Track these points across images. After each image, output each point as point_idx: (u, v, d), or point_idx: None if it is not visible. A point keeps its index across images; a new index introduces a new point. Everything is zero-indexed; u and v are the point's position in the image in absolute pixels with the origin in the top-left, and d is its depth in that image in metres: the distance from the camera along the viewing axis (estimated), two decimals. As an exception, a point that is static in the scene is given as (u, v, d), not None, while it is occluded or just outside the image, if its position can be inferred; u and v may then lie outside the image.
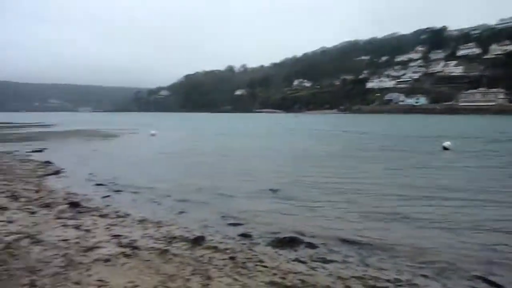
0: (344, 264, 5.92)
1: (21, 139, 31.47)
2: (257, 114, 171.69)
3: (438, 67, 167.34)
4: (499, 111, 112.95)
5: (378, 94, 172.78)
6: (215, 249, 6.24)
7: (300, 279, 5.13)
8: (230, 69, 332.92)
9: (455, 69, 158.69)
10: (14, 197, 9.75)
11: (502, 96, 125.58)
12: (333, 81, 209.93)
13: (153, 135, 37.59)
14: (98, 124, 66.57)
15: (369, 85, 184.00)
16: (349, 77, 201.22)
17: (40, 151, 22.00)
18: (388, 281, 5.26)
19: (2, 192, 10.21)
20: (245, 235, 7.14)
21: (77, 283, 4.65)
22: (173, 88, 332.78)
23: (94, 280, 4.74)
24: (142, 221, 7.93)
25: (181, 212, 8.88)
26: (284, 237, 6.93)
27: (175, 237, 6.82)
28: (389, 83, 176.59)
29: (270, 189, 11.59)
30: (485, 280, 5.36)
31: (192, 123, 77.50)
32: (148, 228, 7.41)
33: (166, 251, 6.00)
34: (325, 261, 6.00)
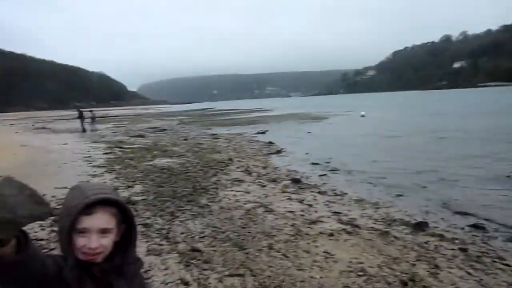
0: None
1: (247, 122, 36.52)
2: (481, 89, 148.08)
3: None
4: None
5: None
6: (441, 237, 5.76)
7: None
8: (446, 39, 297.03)
9: None
10: (248, 172, 11.41)
11: None
12: None
13: (362, 116, 37.47)
14: (308, 107, 70.96)
15: None
16: None
17: (263, 133, 25.03)
18: None
19: (238, 168, 12.10)
20: (476, 226, 6.32)
21: (306, 251, 5.11)
22: (380, 66, 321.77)
23: (321, 251, 5.10)
24: (359, 201, 8.04)
25: (398, 195, 8.57)
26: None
27: (394, 220, 6.64)
28: None
29: (500, 177, 9.88)
30: None
31: (401, 102, 73.32)
32: (365, 208, 7.46)
33: (386, 232, 5.91)
34: None
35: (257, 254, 4.97)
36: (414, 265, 4.69)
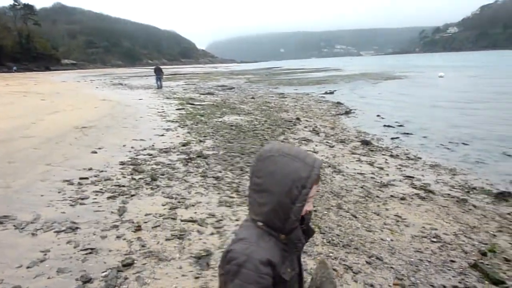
0: None
1: (315, 82, 35.68)
2: None
3: None
4: None
5: None
6: (529, 209, 5.33)
7: None
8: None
9: None
10: (315, 131, 11.28)
11: None
12: None
13: (441, 77, 34.86)
14: (381, 66, 67.35)
15: None
16: None
17: (331, 93, 24.37)
18: None
19: (306, 127, 12.00)
20: None
21: (376, 213, 5.02)
22: (464, 23, 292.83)
23: (392, 215, 4.98)
24: (434, 166, 7.64)
25: (478, 162, 7.98)
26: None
27: (474, 188, 6.24)
28: None
29: None
30: None
31: (487, 63, 66.63)
32: (441, 174, 7.08)
33: (464, 200, 5.59)
34: None
35: (326, 212, 4.99)
36: (494, 235, 4.42)
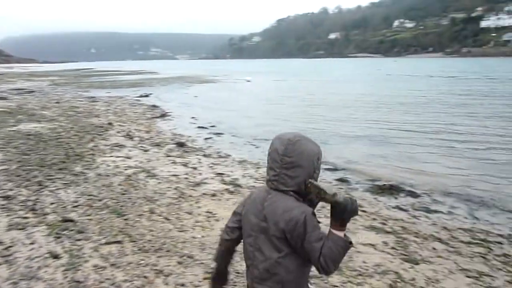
0: (450, 215, 5.61)
1: (130, 85, 34.45)
2: (352, 59, 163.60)
3: None
4: None
5: (494, 34, 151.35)
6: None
7: (401, 226, 5.00)
8: (324, 10, 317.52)
9: None
10: (129, 136, 10.87)
11: None
12: (439, 20, 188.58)
13: (248, 81, 38.40)
14: (196, 70, 69.90)
15: (484, 24, 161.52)
16: (459, 15, 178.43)
17: (147, 96, 23.93)
18: (501, 236, 4.87)
19: (119, 132, 11.44)
20: (342, 180, 7.11)
21: (188, 213, 5.13)
22: (265, 33, 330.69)
23: (203, 212, 5.18)
24: (241, 162, 8.33)
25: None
26: (384, 184, 6.74)
27: (273, 178, 7.06)
28: (509, 21, 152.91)
29: (367, 136, 11.26)
30: None
31: (284, 69, 76.99)
32: (247, 168, 7.77)
33: (265, 190, 6.26)
34: (429, 210, 5.74)
35: (137, 219, 4.82)
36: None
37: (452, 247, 4.44)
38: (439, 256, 4.16)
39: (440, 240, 4.63)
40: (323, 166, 8.06)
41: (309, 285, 1.69)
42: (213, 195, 5.90)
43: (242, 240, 1.77)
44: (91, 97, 22.41)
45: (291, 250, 1.56)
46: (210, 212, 5.15)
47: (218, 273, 1.93)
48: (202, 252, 4.00)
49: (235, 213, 1.82)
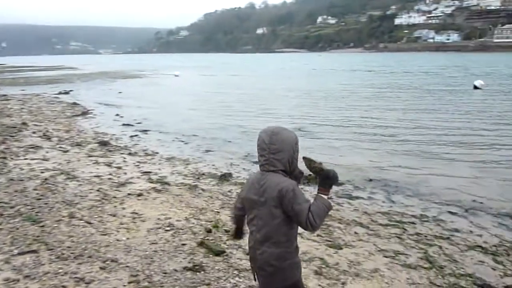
0: (370, 200, 5.98)
1: (47, 81, 31.99)
2: (279, 54, 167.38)
3: (473, 0, 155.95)
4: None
5: (407, 31, 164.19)
6: (242, 185, 6.37)
7: (326, 214, 5.22)
8: (251, 5, 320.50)
9: (492, 1, 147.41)
10: (46, 136, 10.09)
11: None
12: (359, 17, 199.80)
13: (176, 76, 37.57)
14: (121, 65, 66.76)
15: (398, 21, 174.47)
16: (376, 13, 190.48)
17: (67, 93, 22.39)
18: (414, 216, 5.30)
19: (35, 132, 10.57)
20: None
21: (112, 215, 4.88)
22: (193, 28, 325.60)
23: (129, 213, 4.96)
24: (170, 159, 8.13)
25: (207, 151, 9.04)
26: (309, 175, 6.97)
27: (203, 174, 6.99)
28: (418, 19, 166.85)
29: (293, 128, 11.62)
30: (514, 217, 5.33)
31: (213, 64, 76.52)
32: (176, 165, 7.61)
33: (195, 186, 6.18)
34: (351, 197, 6.07)
35: (55, 225, 4.48)
36: (218, 212, 5.06)
37: (372, 230, 4.74)
38: (360, 240, 4.43)
39: (361, 224, 4.92)
40: (252, 159, 8.25)
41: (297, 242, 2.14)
42: (139, 194, 5.68)
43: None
44: (2, 95, 20.41)
45: (284, 216, 2.00)
46: (136, 213, 4.95)
47: (237, 230, 2.44)
48: (127, 255, 3.83)
49: (238, 196, 2.34)
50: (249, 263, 2.28)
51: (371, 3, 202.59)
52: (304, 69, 52.12)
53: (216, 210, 5.13)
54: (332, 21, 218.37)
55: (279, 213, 2.00)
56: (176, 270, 3.56)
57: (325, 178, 2.01)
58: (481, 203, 5.91)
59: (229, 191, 6.00)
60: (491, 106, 15.91)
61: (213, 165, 7.75)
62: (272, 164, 2.02)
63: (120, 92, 23.19)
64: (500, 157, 8.51)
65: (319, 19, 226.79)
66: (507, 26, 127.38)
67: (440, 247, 4.31)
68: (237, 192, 5.93)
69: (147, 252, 3.90)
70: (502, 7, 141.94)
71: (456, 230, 4.86)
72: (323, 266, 3.74)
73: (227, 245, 4.10)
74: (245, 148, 9.30)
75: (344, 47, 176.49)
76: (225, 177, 6.70)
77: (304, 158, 2.10)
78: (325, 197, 1.98)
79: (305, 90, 23.79)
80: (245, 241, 4.01)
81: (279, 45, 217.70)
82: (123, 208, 5.12)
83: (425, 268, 3.79)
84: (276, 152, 2.01)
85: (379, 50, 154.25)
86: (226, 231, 4.43)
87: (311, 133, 11.16)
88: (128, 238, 4.22)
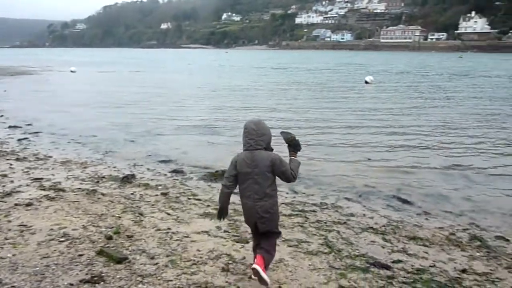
0: (274, 193, 6.18)
1: None
2: (184, 49, 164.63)
3: (363, 3, 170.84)
4: (415, 48, 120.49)
5: (306, 30, 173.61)
6: (147, 186, 6.14)
7: (233, 209, 5.26)
8: (154, 0, 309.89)
9: (378, 5, 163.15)
10: None
11: (418, 34, 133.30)
12: (262, 15, 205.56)
13: (73, 71, 34.74)
14: (8, 60, 59.52)
15: (298, 20, 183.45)
16: (278, 11, 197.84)
17: None
18: (314, 205, 5.62)
19: None
20: (176, 171, 7.10)
21: (-5, 230, 4.32)
22: (90, 20, 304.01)
23: (15, 226, 4.44)
24: (65, 162, 7.48)
25: (107, 152, 8.52)
26: (216, 171, 6.99)
27: (103, 177, 6.57)
28: (316, 19, 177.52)
29: (199, 126, 11.54)
30: (398, 198, 5.98)
31: (114, 59, 72.33)
32: (72, 169, 7.02)
33: (94, 191, 5.77)
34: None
35: None
36: (120, 217, 4.79)
37: (276, 221, 4.90)
38: (265, 232, 4.54)
39: (266, 217, 5.05)
40: (157, 159, 7.97)
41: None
42: (29, 204, 5.12)
43: (237, 185, 3.14)
44: None
45: (273, 178, 3.09)
46: (25, 225, 4.45)
47: (222, 209, 3.23)
48: (13, 274, 3.41)
49: (231, 164, 3.13)
50: (245, 222, 3.37)
51: (274, 2, 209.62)
52: (213, 65, 52.02)
53: (117, 215, 4.85)
54: (236, 18, 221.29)
55: (271, 176, 3.05)
56: (71, 284, 3.28)
57: (296, 146, 3.21)
58: (373, 187, 6.50)
59: (132, 194, 5.71)
60: (378, 98, 17.72)
61: (114, 167, 7.32)
62: (259, 144, 3.03)
63: (5, 91, 20.66)
64: (387, 143, 9.51)
65: (224, 16, 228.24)
66: (390, 27, 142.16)
67: (338, 232, 4.63)
68: (140, 194, 5.71)
69: (37, 268, 3.52)
70: (386, 10, 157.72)
71: (352, 215, 5.27)
72: (230, 262, 3.76)
73: (130, 251, 3.89)
74: (148, 147, 8.98)
75: (249, 44, 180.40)
76: (127, 179, 6.37)
77: (281, 132, 3.27)
78: (296, 158, 3.19)
79: (214, 86, 23.83)
80: (148, 245, 3.90)
81: (184, 41, 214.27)
82: (9, 221, 4.57)
83: (325, 253, 4.03)
84: (262, 135, 3.04)
85: (282, 47, 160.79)
86: (129, 236, 4.21)
87: (216, 129, 11.24)
88: (14, 255, 3.76)
